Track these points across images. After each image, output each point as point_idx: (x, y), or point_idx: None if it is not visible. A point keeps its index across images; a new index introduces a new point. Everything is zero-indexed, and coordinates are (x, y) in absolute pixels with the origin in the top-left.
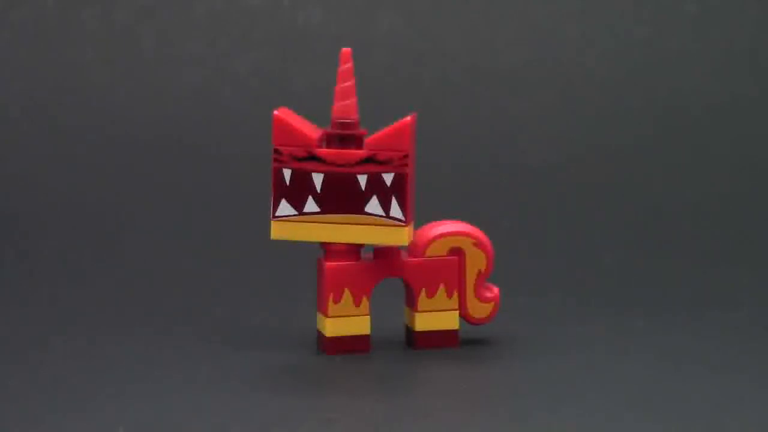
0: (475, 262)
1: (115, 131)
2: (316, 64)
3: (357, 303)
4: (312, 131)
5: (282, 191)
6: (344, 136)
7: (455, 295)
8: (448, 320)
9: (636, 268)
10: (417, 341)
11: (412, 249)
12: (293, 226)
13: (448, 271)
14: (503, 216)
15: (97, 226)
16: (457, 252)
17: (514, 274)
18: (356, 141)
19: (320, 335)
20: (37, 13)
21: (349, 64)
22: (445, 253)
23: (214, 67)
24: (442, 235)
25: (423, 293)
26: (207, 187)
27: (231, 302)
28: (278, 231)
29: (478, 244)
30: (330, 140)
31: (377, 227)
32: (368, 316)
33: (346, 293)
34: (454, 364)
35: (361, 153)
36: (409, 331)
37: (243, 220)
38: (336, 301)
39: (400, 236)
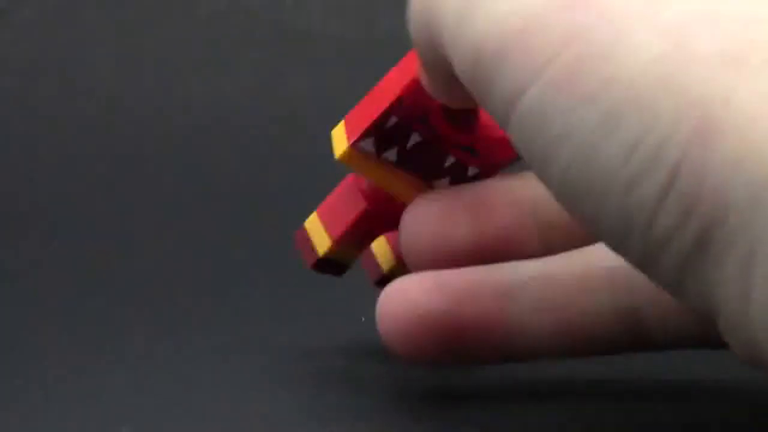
0: None
1: (115, 131)
2: (317, 64)
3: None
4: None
5: (376, 130)
6: (464, 118)
7: None
8: None
9: None
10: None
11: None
12: (362, 157)
13: None
14: None
15: (99, 227)
16: None
17: None
18: (471, 128)
19: (307, 243)
20: (38, 13)
21: None
22: None
23: (215, 67)
24: None
25: None
26: (208, 188)
27: (235, 303)
28: (347, 156)
29: None
30: (448, 114)
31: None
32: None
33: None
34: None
35: (466, 139)
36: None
37: (244, 220)
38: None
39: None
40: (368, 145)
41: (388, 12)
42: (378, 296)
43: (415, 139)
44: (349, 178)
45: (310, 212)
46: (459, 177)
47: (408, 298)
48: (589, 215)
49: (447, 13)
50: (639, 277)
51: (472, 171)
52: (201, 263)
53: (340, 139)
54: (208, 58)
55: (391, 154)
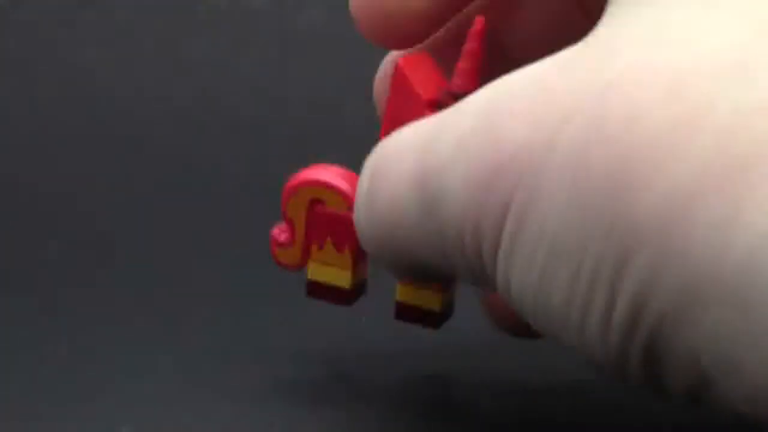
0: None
1: (115, 131)
2: (317, 64)
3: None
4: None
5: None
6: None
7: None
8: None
9: None
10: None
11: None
12: None
13: None
14: None
15: (99, 227)
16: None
17: None
18: None
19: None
20: (38, 13)
21: (477, 45)
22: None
23: (215, 67)
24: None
25: None
26: (208, 188)
27: (235, 304)
28: None
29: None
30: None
31: None
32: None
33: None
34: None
35: None
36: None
37: (244, 220)
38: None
39: None
40: None
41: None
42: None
43: None
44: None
45: None
46: None
47: None
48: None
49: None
50: None
51: None
52: (201, 264)
53: None
54: (208, 58)
55: None
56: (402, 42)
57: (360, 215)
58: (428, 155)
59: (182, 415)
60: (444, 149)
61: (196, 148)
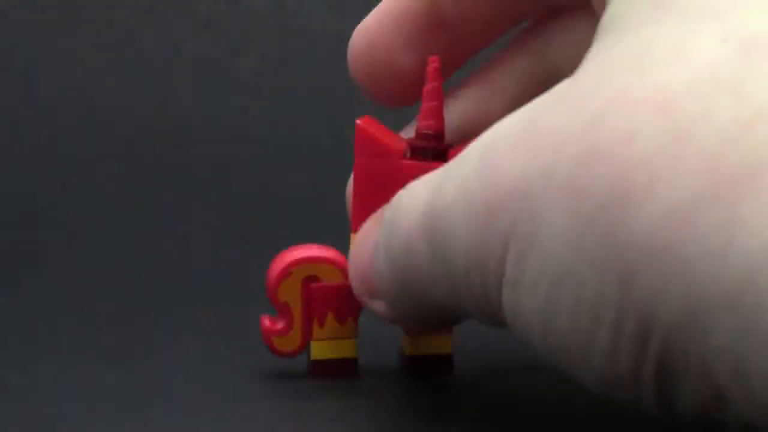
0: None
1: (115, 131)
2: (317, 63)
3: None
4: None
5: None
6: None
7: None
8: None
9: None
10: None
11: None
12: None
13: None
14: None
15: (98, 228)
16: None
17: None
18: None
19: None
20: (38, 13)
21: (437, 83)
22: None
23: (215, 67)
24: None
25: None
26: (207, 188)
27: (235, 304)
28: None
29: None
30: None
31: None
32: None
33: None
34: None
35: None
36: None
37: (243, 221)
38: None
39: None
40: None
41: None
42: None
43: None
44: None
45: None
46: None
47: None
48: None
49: None
50: None
51: None
52: (200, 264)
53: None
54: (208, 58)
55: None
56: (397, 100)
57: (379, 263)
58: (436, 200)
59: (182, 415)
60: (449, 193)
61: (196, 148)
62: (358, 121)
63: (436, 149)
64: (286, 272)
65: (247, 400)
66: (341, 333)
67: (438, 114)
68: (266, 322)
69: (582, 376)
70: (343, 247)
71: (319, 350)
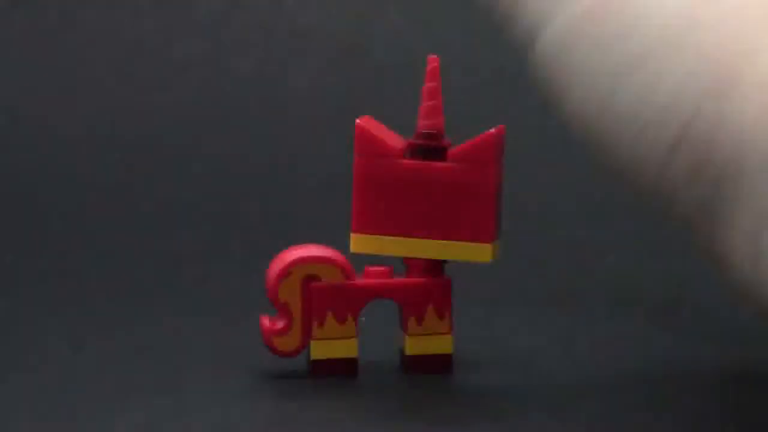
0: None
1: (114, 131)
2: (317, 63)
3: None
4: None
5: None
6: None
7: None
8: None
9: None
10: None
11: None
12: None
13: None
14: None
15: (97, 228)
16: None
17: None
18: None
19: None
20: (38, 13)
21: (437, 82)
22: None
23: (215, 67)
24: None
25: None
26: (207, 188)
27: (234, 304)
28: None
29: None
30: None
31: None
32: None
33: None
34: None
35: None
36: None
37: (243, 221)
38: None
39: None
40: None
41: (387, 12)
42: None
43: None
44: None
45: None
46: None
47: None
48: (603, 151)
49: None
50: None
51: None
52: (200, 264)
53: None
54: (207, 58)
55: None
56: None
57: None
58: None
59: (181, 415)
60: None
61: (195, 147)
62: (357, 121)
63: (436, 148)
64: (286, 272)
65: (247, 400)
66: (341, 333)
67: (437, 113)
68: (266, 322)
69: (614, 165)
70: (343, 247)
71: (319, 350)
